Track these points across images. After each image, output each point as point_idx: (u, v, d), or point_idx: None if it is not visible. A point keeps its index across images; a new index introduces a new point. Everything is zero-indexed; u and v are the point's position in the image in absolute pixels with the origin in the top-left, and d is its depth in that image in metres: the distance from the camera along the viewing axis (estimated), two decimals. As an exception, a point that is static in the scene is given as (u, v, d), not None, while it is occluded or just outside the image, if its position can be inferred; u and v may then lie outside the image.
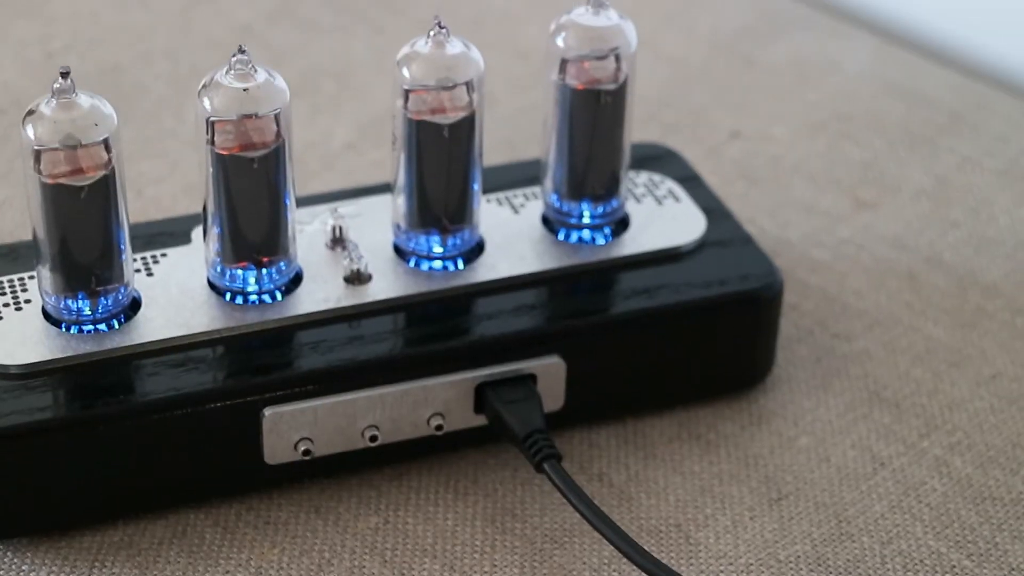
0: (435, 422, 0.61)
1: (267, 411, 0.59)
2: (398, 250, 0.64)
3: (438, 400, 0.61)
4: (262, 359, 0.60)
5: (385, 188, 0.67)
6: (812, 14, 0.88)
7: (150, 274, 0.63)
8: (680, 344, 0.64)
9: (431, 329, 0.61)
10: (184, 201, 0.74)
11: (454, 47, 0.61)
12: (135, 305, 0.61)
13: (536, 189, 0.67)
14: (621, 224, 0.66)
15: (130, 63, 0.83)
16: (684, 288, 0.64)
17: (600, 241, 0.65)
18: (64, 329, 0.60)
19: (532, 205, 0.66)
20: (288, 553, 0.59)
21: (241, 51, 0.59)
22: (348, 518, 0.61)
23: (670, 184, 0.68)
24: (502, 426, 0.61)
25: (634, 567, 0.58)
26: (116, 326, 0.61)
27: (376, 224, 0.65)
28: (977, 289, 0.71)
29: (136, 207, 0.73)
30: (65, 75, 0.58)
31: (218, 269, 0.62)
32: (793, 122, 0.80)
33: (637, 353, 0.63)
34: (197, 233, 0.64)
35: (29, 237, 0.70)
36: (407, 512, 0.61)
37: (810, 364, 0.67)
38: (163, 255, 0.63)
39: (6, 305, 0.61)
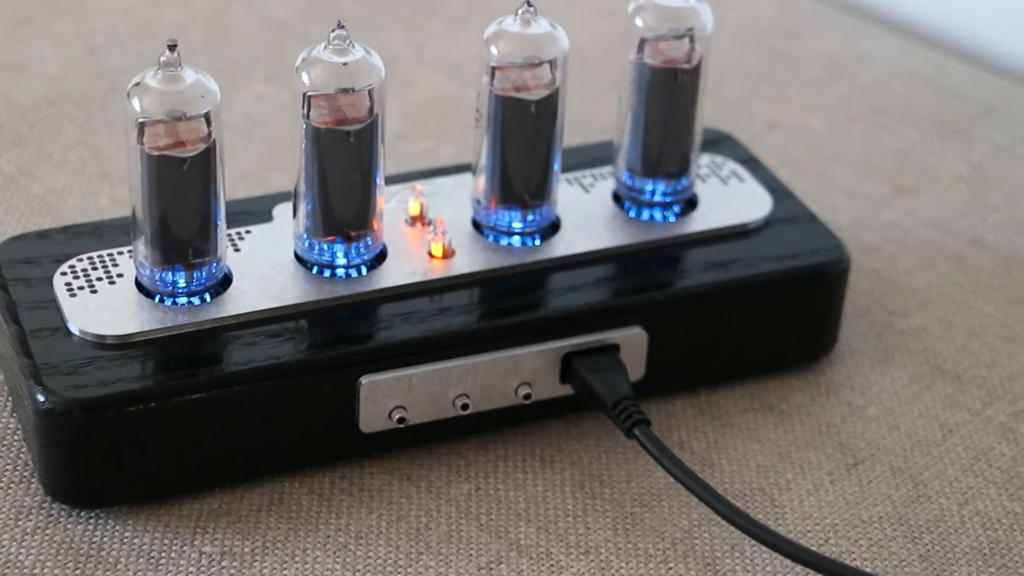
0: (523, 391, 0.62)
1: (364, 379, 0.61)
2: (477, 225, 0.65)
3: (526, 370, 0.62)
4: (356, 329, 0.61)
5: (455, 169, 0.68)
6: (835, 13, 0.91)
7: (237, 250, 0.64)
8: (753, 316, 0.65)
9: (517, 301, 0.63)
10: (243, 187, 0.75)
11: (540, 26, 0.63)
12: (226, 279, 0.62)
13: (602, 170, 0.69)
14: (690, 203, 0.68)
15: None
16: (757, 262, 0.65)
17: (671, 219, 0.67)
18: (158, 301, 0.61)
19: (601, 185, 0.68)
20: (385, 519, 0.61)
21: (340, 26, 0.60)
22: (440, 485, 0.62)
23: (732, 165, 0.70)
24: (590, 394, 0.62)
25: (724, 527, 0.60)
26: (209, 299, 0.62)
27: (452, 202, 0.66)
28: (1022, 269, 0.73)
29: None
30: (172, 48, 0.59)
31: (307, 243, 0.63)
32: (828, 113, 0.83)
33: (713, 325, 0.65)
34: (278, 211, 0.66)
35: (89, 220, 0.72)
36: (497, 479, 0.62)
37: (871, 339, 0.69)
38: (247, 231, 0.65)
39: (99, 279, 0.62)
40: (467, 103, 0.76)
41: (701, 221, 0.67)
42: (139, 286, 0.62)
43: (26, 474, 0.61)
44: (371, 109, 0.61)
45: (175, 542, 0.59)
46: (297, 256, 0.64)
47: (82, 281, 0.62)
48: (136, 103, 0.59)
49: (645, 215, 0.67)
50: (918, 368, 0.68)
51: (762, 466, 0.63)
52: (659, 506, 0.61)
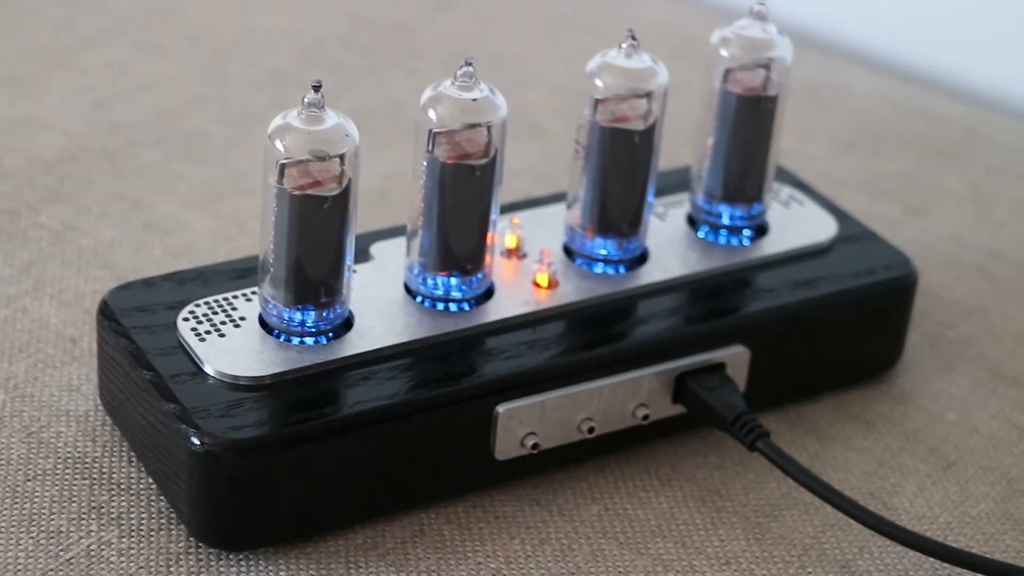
0: (641, 412, 0.64)
1: (501, 408, 0.62)
2: (569, 254, 0.67)
3: (643, 391, 0.64)
4: (486, 360, 0.63)
5: (529, 203, 0.70)
6: (801, 50, 0.95)
7: (349, 289, 0.65)
8: (837, 330, 0.69)
9: (628, 326, 0.65)
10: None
11: (643, 60, 0.65)
12: (348, 317, 0.63)
13: (669, 199, 0.71)
14: (760, 227, 0.70)
15: (180, 109, 0.85)
16: (838, 279, 0.68)
17: (745, 242, 0.70)
18: (284, 340, 0.62)
19: (673, 212, 0.71)
20: (528, 543, 0.62)
21: (468, 64, 0.62)
22: (570, 508, 0.63)
23: (789, 190, 0.73)
24: (707, 412, 0.64)
25: (849, 530, 0.63)
26: (334, 337, 0.62)
27: (537, 233, 0.68)
28: (1044, 278, 0.78)
29: (247, 242, 0.75)
30: (317, 88, 0.59)
31: (421, 277, 0.64)
32: (825, 141, 0.86)
33: (805, 340, 0.68)
34: (376, 249, 0.67)
35: (147, 271, 0.72)
36: (622, 499, 0.64)
37: (927, 349, 0.73)
38: (353, 271, 0.65)
39: (223, 323, 0.63)
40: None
41: (777, 243, 0.70)
42: (264, 327, 0.62)
43: (163, 521, 0.61)
44: (491, 144, 0.62)
45: (332, 578, 0.60)
46: (408, 290, 0.65)
47: (207, 326, 0.62)
48: (279, 144, 0.60)
49: (722, 239, 0.70)
50: (978, 374, 0.72)
51: (865, 472, 0.66)
52: (781, 515, 0.64)
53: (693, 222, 0.70)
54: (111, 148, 0.81)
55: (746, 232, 0.70)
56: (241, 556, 0.60)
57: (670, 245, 0.69)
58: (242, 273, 0.66)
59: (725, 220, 0.69)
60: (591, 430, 0.64)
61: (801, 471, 0.63)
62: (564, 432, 0.64)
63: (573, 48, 0.93)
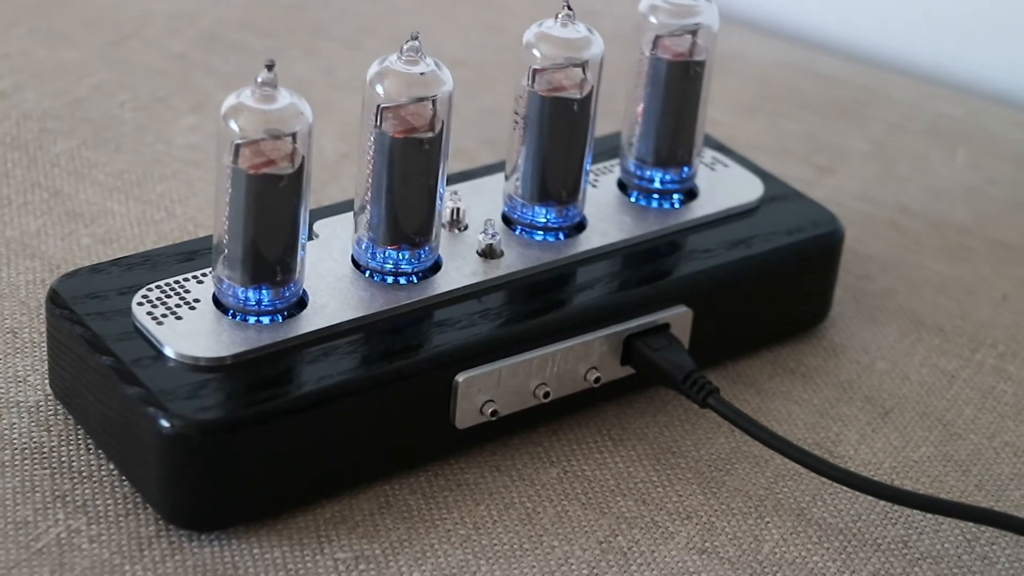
0: (592, 375, 0.66)
1: (460, 377, 0.63)
2: (508, 223, 0.68)
3: (594, 355, 0.65)
4: (443, 330, 0.63)
5: (463, 176, 0.71)
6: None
7: (296, 267, 0.65)
8: (772, 287, 0.70)
9: (575, 291, 0.66)
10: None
11: (579, 29, 0.66)
12: (302, 295, 0.64)
13: (603, 164, 0.72)
14: (691, 190, 0.72)
15: (88, 96, 0.84)
16: (772, 237, 0.70)
17: (676, 205, 0.71)
18: (242, 320, 0.62)
19: (604, 179, 0.72)
20: (493, 509, 0.63)
21: (414, 38, 0.62)
22: (529, 472, 0.64)
23: (712, 153, 0.74)
24: (656, 372, 0.66)
25: (800, 480, 0.64)
26: (289, 316, 0.63)
27: (477, 203, 0.69)
28: (951, 229, 0.80)
29: (174, 226, 0.75)
30: (270, 67, 0.60)
31: (370, 252, 0.65)
32: (728, 106, 0.88)
33: (743, 297, 0.69)
34: (320, 226, 0.67)
35: (74, 262, 0.71)
36: (579, 461, 0.65)
37: (851, 303, 0.75)
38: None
39: (178, 306, 0.62)
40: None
41: (708, 205, 0.71)
42: (219, 307, 0.62)
43: (130, 506, 0.61)
44: (439, 118, 0.63)
45: (305, 553, 0.60)
46: (356, 265, 0.65)
47: (162, 309, 0.62)
48: (233, 124, 0.60)
49: (654, 203, 0.71)
50: (902, 324, 0.74)
51: (808, 424, 0.68)
52: (733, 469, 0.66)
53: (624, 187, 0.71)
54: (23, 138, 0.80)
55: (676, 196, 0.71)
56: (212, 536, 0.60)
57: (605, 211, 0.70)
58: (188, 256, 0.65)
59: (656, 184, 0.71)
60: (546, 395, 0.65)
61: (753, 424, 0.64)
62: (521, 398, 0.64)
63: (468, 23, 0.94)
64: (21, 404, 0.65)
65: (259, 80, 0.60)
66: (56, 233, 0.74)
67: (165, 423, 0.58)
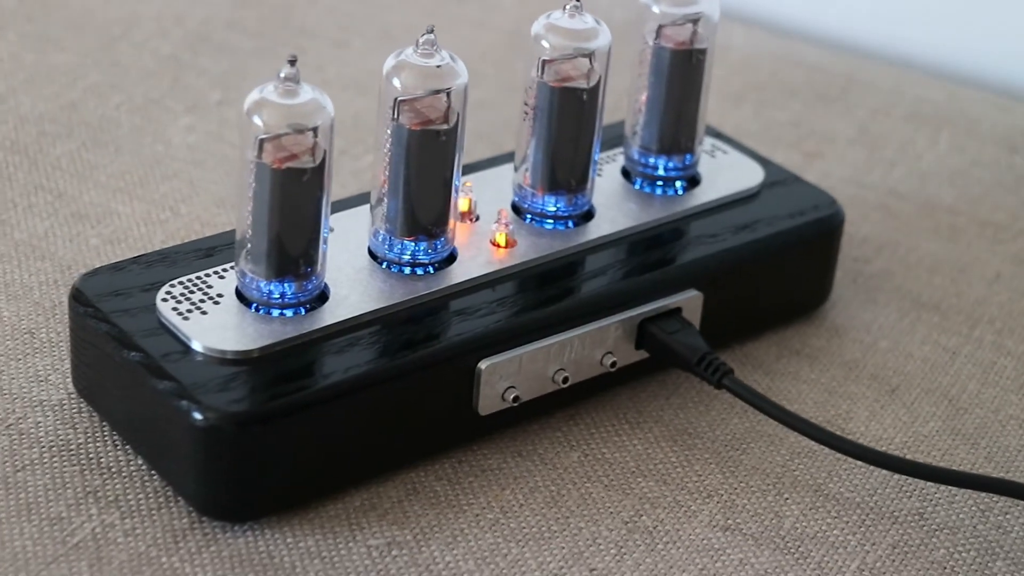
0: (608, 360, 0.67)
1: (483, 364, 0.64)
2: (518, 213, 0.69)
3: (610, 340, 0.67)
4: (464, 319, 0.64)
5: (470, 167, 0.72)
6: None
7: (314, 260, 0.66)
8: (777, 270, 0.72)
9: (589, 278, 0.67)
10: (222, 214, 0.76)
11: (586, 20, 0.67)
12: (323, 287, 0.64)
13: (605, 153, 0.73)
14: (694, 177, 0.73)
15: (82, 98, 0.84)
16: (775, 221, 0.72)
17: (680, 192, 0.72)
18: (266, 313, 0.63)
19: (608, 168, 0.73)
20: (519, 493, 0.64)
21: (429, 32, 0.63)
22: (551, 456, 0.65)
23: (711, 140, 0.76)
24: (671, 355, 0.67)
25: (814, 456, 0.66)
26: (311, 308, 0.63)
27: (486, 194, 0.70)
28: (941, 211, 0.82)
29: (180, 225, 0.76)
30: (293, 63, 0.60)
31: (388, 243, 0.65)
32: (714, 95, 0.89)
33: (750, 280, 0.71)
34: (334, 220, 0.67)
35: (84, 262, 0.72)
36: (598, 444, 0.66)
37: (849, 284, 0.76)
38: (321, 242, 0.66)
39: (202, 301, 0.63)
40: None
41: (711, 191, 0.72)
42: (242, 301, 0.63)
43: (161, 500, 0.62)
44: (454, 109, 0.64)
45: (338, 540, 0.61)
46: (373, 257, 0.66)
47: (187, 304, 0.63)
48: (257, 119, 0.60)
49: (659, 191, 0.72)
50: (901, 304, 0.75)
51: (818, 403, 0.69)
52: (749, 448, 0.67)
53: (628, 175, 0.73)
54: (22, 141, 0.81)
55: (679, 183, 0.72)
56: (246, 527, 0.61)
57: (611, 198, 0.71)
58: (207, 252, 0.66)
59: (660, 172, 0.72)
60: (565, 380, 0.66)
61: (769, 404, 0.65)
62: (541, 384, 0.65)
63: (454, 19, 0.95)
64: (44, 403, 0.65)
65: (282, 75, 0.61)
66: (64, 234, 0.75)
67: (199, 416, 0.59)
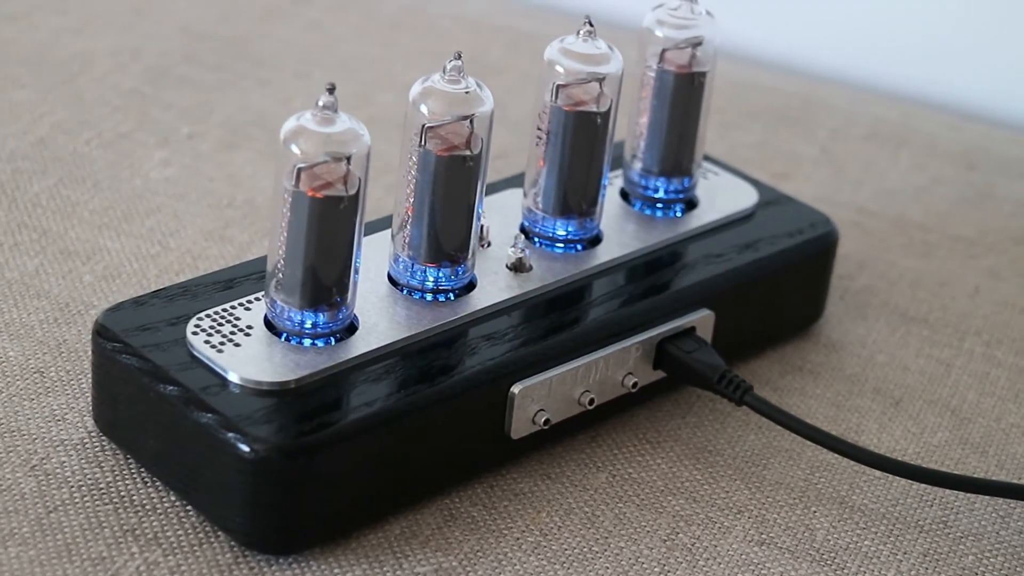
0: (630, 380, 0.67)
1: (516, 387, 0.64)
2: (528, 237, 0.69)
3: (630, 360, 0.67)
4: (493, 344, 0.64)
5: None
6: (626, 35, 0.99)
7: (336, 289, 0.65)
8: (779, 288, 0.73)
9: (609, 300, 0.68)
10: (213, 245, 0.76)
11: (600, 45, 0.68)
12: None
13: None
14: (691, 199, 0.74)
15: (51, 135, 0.83)
16: (776, 240, 0.73)
17: (678, 213, 0.73)
18: (297, 343, 0.62)
19: (606, 191, 0.74)
20: (555, 515, 0.64)
21: (457, 57, 0.63)
22: (579, 478, 0.66)
23: (703, 163, 0.77)
24: (690, 374, 0.68)
25: (835, 470, 0.67)
26: (340, 338, 0.63)
27: (494, 218, 0.70)
28: (912, 227, 0.84)
29: (172, 259, 0.75)
30: (331, 91, 0.60)
31: (410, 270, 0.65)
32: (676, 119, 0.91)
33: (756, 298, 0.72)
34: (349, 249, 0.67)
35: (83, 300, 0.71)
36: (624, 465, 0.67)
37: (838, 301, 0.77)
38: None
39: (233, 333, 0.62)
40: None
41: (710, 212, 0.73)
42: (272, 331, 0.63)
43: (202, 535, 0.61)
44: (478, 135, 0.64)
45: (385, 569, 0.61)
46: (394, 283, 0.66)
47: (219, 337, 0.62)
48: (295, 147, 0.60)
49: (659, 213, 0.73)
50: (889, 319, 0.77)
51: (828, 417, 0.71)
52: (769, 463, 0.68)
53: (627, 197, 0.73)
54: (-2, 179, 0.79)
55: (678, 205, 0.73)
56: (291, 559, 0.60)
57: (614, 221, 0.72)
58: (227, 284, 0.66)
59: (661, 194, 0.73)
60: (591, 402, 0.66)
61: (792, 419, 0.66)
62: (568, 406, 0.66)
63: (409, 49, 0.95)
64: (66, 442, 0.64)
65: (320, 103, 0.60)
66: (55, 272, 0.73)
67: (245, 448, 0.59)
